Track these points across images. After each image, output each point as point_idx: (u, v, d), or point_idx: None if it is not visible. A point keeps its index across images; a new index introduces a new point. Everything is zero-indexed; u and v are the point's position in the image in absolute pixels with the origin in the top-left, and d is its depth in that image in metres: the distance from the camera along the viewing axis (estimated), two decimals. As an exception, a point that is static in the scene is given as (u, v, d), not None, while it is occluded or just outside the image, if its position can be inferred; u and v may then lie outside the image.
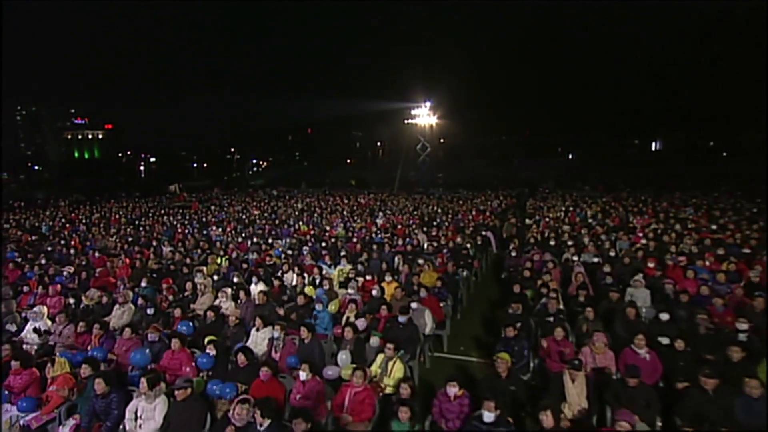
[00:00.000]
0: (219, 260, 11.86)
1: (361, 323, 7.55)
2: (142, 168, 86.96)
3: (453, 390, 5.30)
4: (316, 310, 8.23)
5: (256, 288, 9.64)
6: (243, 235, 16.13)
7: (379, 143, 72.45)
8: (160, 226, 18.72)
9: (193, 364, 6.35)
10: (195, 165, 78.61)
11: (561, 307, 8.11)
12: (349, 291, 9.30)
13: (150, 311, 8.37)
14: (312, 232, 15.97)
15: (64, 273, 11.10)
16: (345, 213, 20.73)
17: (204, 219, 20.55)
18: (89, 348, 7.31)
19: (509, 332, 6.89)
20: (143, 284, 9.91)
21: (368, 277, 9.90)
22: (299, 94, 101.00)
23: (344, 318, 8.06)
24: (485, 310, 10.45)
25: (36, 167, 77.01)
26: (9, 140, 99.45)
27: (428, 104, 39.36)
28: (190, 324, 7.63)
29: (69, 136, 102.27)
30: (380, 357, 6.50)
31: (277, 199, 29.78)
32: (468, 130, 45.73)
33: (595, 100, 54.08)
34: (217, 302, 8.95)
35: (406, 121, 40.31)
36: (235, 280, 10.09)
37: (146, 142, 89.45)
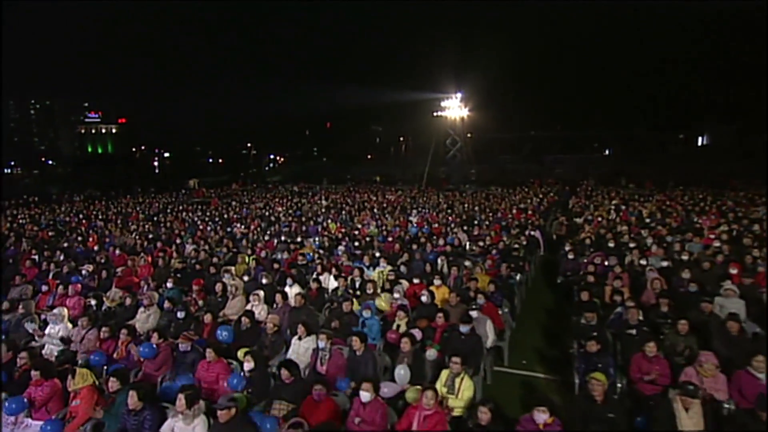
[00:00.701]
0: (248, 260, 11.49)
1: (416, 333, 6.96)
2: (155, 163, 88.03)
3: (542, 416, 4.67)
4: (363, 316, 7.66)
5: (292, 291, 9.15)
6: (268, 232, 15.74)
7: (401, 138, 71.71)
8: (180, 223, 18.53)
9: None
10: (210, 160, 79.15)
11: (641, 317, 7.38)
12: (395, 296, 8.72)
13: (180, 315, 7.90)
14: (343, 230, 15.37)
15: (83, 271, 10.78)
16: (375, 210, 20.31)
17: (226, 216, 20.35)
18: (115, 356, 6.87)
19: (591, 347, 6.21)
20: (169, 285, 9.53)
21: (415, 281, 9.30)
22: (318, 86, 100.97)
23: (394, 326, 7.49)
24: (542, 318, 9.80)
25: (49, 162, 78.46)
26: (23, 135, 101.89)
27: (459, 96, 38.48)
28: (229, 331, 7.13)
29: (82, 131, 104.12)
30: (445, 373, 5.89)
31: (299, 196, 29.73)
32: (497, 124, 44.68)
33: (635, 92, 52.50)
34: (248, 306, 8.48)
35: (434, 114, 39.49)
36: (264, 281, 9.57)
37: (160, 137, 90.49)
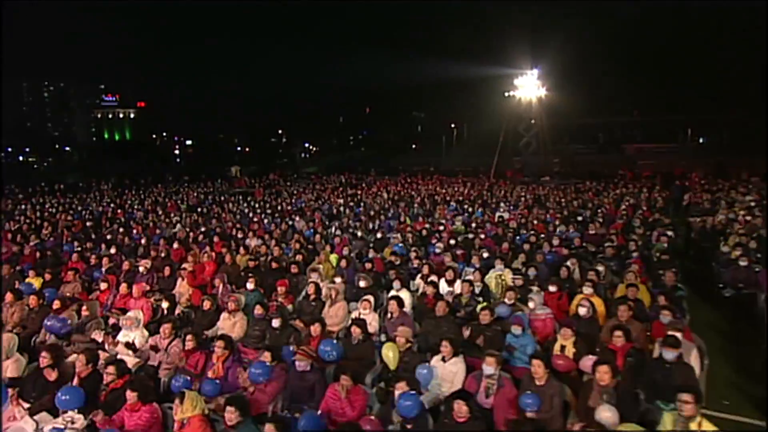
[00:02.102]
0: (332, 258, 10.94)
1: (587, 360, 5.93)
2: (177, 151, 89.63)
3: None
4: (512, 333, 6.68)
5: (403, 296, 8.37)
6: (334, 227, 15.14)
7: (453, 125, 70.41)
8: (227, 214, 18.32)
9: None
10: (239, 148, 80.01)
11: None
12: (534, 308, 7.73)
13: (276, 323, 7.17)
14: (426, 225, 14.71)
15: (140, 268, 10.26)
16: (453, 204, 19.69)
17: (279, 207, 20.08)
18: (210, 373, 6.12)
19: None
20: (249, 286, 8.88)
21: (552, 288, 8.30)
22: (356, 64, 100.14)
23: (557, 347, 6.47)
24: (718, 342, 8.56)
25: (66, 148, 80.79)
26: (36, 119, 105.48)
27: (535, 72, 36.90)
28: (335, 347, 6.33)
29: (99, 115, 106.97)
30: (668, 418, 4.83)
31: (352, 187, 29.43)
32: (568, 108, 42.54)
33: (740, 70, 49.28)
34: (355, 314, 7.80)
35: (506, 94, 38.09)
36: (362, 284, 8.82)
37: (182, 123, 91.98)
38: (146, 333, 7.22)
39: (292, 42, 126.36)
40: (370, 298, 7.99)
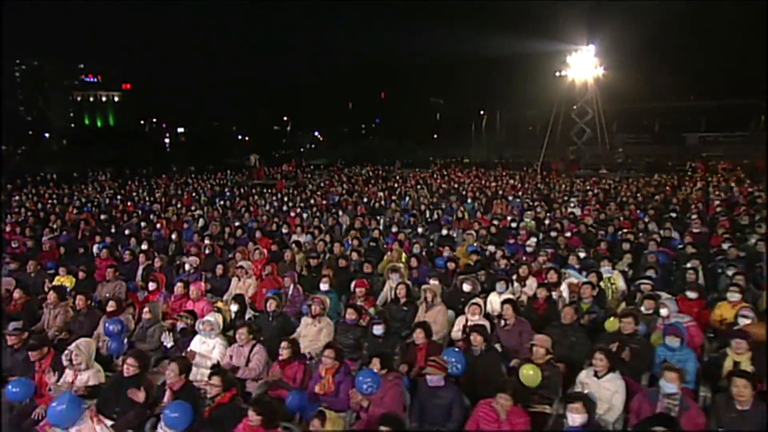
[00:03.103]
0: (402, 257, 10.92)
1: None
2: (167, 140, 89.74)
3: None
4: (667, 346, 6.38)
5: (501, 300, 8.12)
6: (384, 223, 15.35)
7: (482, 111, 69.93)
8: (259, 208, 18.47)
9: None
10: (240, 137, 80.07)
11: None
12: (668, 316, 7.42)
13: (378, 330, 7.03)
14: (495, 221, 14.73)
15: (186, 265, 10.21)
16: (513, 198, 19.93)
17: (312, 201, 20.14)
18: (318, 388, 5.93)
19: None
20: (323, 287, 8.73)
21: (691, 294, 8.02)
22: (368, 40, 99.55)
23: (728, 364, 6.18)
24: None
25: (44, 135, 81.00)
26: (7, 103, 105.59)
27: (592, 48, 36.28)
28: (460, 359, 6.13)
29: (78, 98, 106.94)
30: None
31: (383, 180, 29.75)
32: (619, 92, 41.76)
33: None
34: (460, 321, 7.61)
35: (557, 73, 37.64)
36: (467, 288, 8.59)
37: (172, 108, 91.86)
38: (223, 341, 6.96)
39: (297, 16, 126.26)
40: (480, 301, 7.73)
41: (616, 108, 41.39)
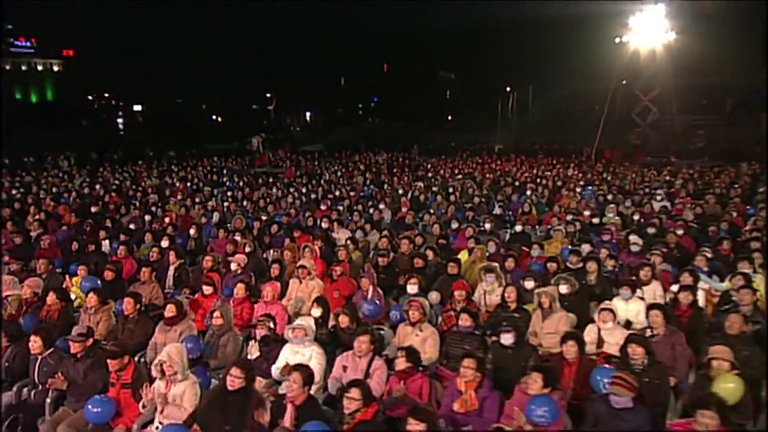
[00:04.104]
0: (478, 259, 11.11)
1: None
2: (120, 120, 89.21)
3: None
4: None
5: (632, 308, 8.48)
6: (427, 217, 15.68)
7: (508, 88, 70.08)
8: (276, 202, 18.68)
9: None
10: (214, 117, 79.93)
11: None
12: None
13: (508, 339, 7.12)
14: (569, 217, 15.01)
15: (232, 265, 10.43)
16: (579, 191, 20.20)
17: (338, 193, 20.64)
18: (458, 406, 6.13)
19: None
20: (412, 289, 9.02)
21: None
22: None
23: None
24: None
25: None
26: None
27: (662, 8, 35.99)
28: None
29: (7, 66, 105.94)
30: None
31: (408, 169, 30.59)
32: (696, 64, 41.67)
33: None
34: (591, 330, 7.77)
35: (617, 39, 37.61)
36: (564, 290, 8.73)
37: (126, 81, 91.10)
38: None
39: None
40: (613, 306, 7.91)
41: (685, 83, 41.15)
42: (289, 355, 7.06)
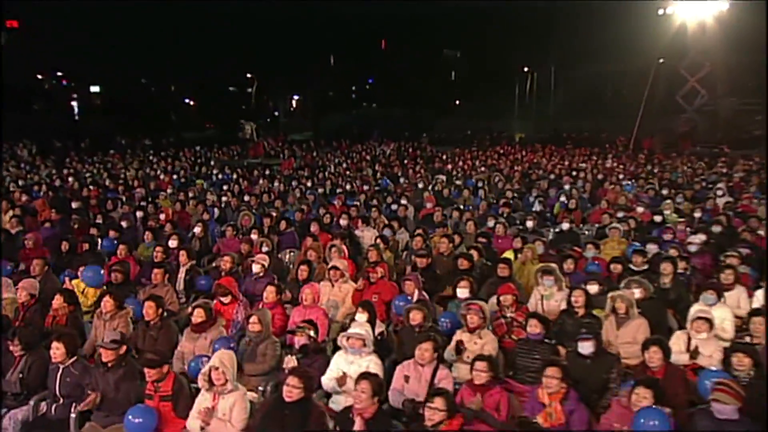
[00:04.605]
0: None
1: None
2: (74, 103, 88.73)
3: None
4: None
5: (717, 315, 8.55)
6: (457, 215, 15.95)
7: (526, 69, 70.23)
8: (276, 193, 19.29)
9: None
10: (186, 100, 79.72)
11: None
12: None
13: (587, 349, 7.33)
14: (620, 214, 15.38)
15: (254, 267, 10.64)
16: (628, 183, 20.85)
17: (348, 186, 20.95)
18: (543, 420, 6.35)
19: None
20: (462, 293, 9.38)
21: None
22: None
23: None
24: None
25: None
26: None
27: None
28: None
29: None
30: None
31: (425, 161, 30.71)
32: (745, 39, 41.56)
33: None
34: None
35: (661, 11, 37.70)
36: (638, 294, 9.02)
37: (81, 57, 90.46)
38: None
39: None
40: (709, 314, 8.07)
41: (739, 61, 41.03)
42: (343, 365, 7.27)
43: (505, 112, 62.49)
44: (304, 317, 8.47)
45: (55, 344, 7.01)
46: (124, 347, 7.07)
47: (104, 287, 9.69)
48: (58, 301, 8.56)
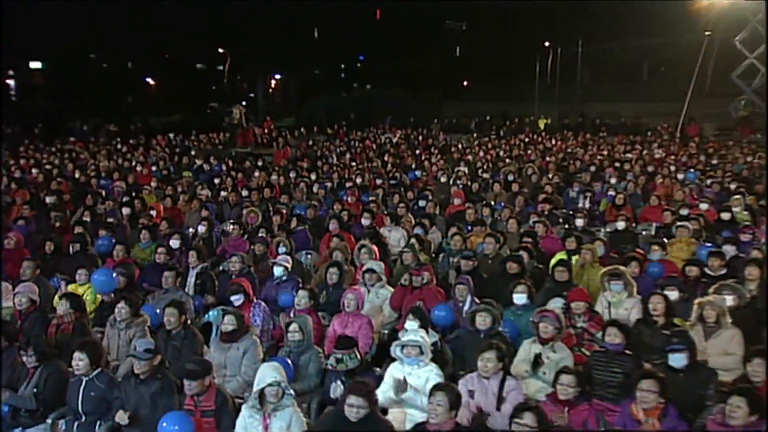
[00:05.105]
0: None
1: None
2: (11, 82, 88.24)
3: None
4: None
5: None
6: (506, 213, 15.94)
7: (547, 43, 70.10)
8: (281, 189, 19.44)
9: None
10: (146, 79, 79.44)
11: None
12: None
13: (680, 361, 7.52)
14: (685, 211, 15.57)
15: (276, 270, 11.08)
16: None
17: (359, 180, 21.20)
18: None
19: None
20: (519, 299, 9.75)
21: None
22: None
23: None
24: None
25: None
26: None
27: None
28: None
29: None
30: None
31: (440, 151, 31.03)
32: None
33: None
34: None
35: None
36: (731, 302, 9.24)
37: (17, 29, 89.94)
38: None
39: None
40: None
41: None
42: (399, 376, 7.57)
43: (523, 94, 62.15)
44: (346, 327, 8.82)
45: (78, 354, 7.24)
46: (159, 357, 7.33)
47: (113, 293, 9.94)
48: (63, 307, 8.84)
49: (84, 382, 7.29)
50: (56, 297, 9.85)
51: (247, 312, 9.42)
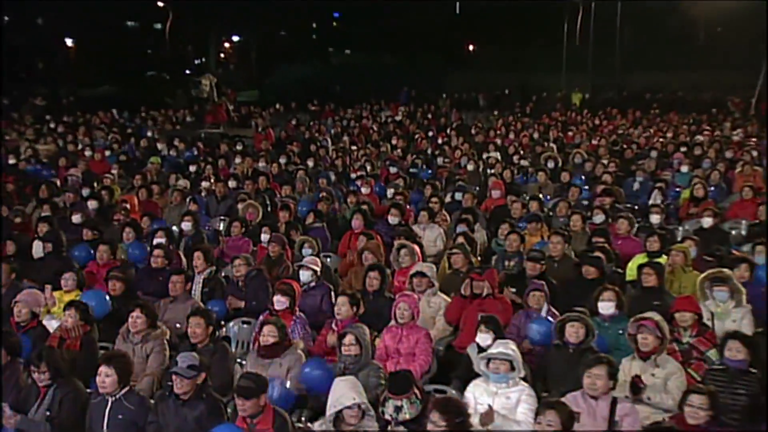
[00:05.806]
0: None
1: None
2: None
3: None
4: None
5: None
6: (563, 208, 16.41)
7: (580, 8, 69.98)
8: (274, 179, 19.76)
9: None
10: (70, 42, 79.03)
11: None
12: None
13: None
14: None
15: (303, 275, 11.38)
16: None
17: (369, 167, 21.91)
18: None
19: None
20: (607, 309, 10.12)
21: None
22: None
23: None
24: None
25: None
26: None
27: None
28: None
29: None
30: None
31: (458, 133, 31.04)
32: None
33: None
34: None
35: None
36: None
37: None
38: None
39: None
40: None
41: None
42: (485, 399, 8.00)
43: (546, 62, 62.23)
44: (400, 341, 9.34)
45: (104, 369, 7.51)
46: (204, 375, 7.63)
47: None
48: (71, 319, 9.26)
49: (110, 404, 7.55)
50: (55, 307, 10.28)
51: (288, 322, 9.68)
